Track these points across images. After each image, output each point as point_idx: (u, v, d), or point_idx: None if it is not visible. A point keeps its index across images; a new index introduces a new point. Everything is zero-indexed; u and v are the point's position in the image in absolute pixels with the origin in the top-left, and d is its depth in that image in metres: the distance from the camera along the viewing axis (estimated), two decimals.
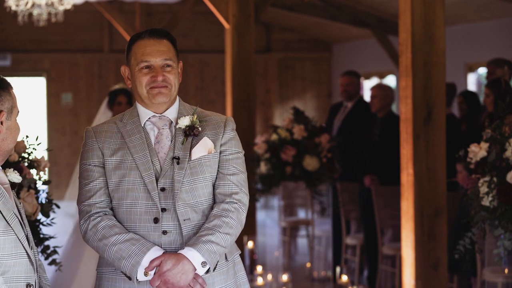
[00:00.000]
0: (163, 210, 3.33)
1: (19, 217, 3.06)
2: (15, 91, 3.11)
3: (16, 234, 3.00)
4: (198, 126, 3.42)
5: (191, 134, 3.41)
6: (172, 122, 3.45)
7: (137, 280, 3.27)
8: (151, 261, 3.25)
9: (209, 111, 3.56)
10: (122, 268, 3.28)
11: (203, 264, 3.27)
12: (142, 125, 3.43)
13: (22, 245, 3.02)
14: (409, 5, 5.63)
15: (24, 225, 3.09)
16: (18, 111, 3.12)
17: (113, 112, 7.63)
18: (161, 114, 3.44)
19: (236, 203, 3.41)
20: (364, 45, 14.99)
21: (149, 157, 3.37)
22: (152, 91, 3.39)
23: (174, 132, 3.43)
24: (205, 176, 3.40)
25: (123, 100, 7.67)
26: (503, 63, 8.13)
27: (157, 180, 3.36)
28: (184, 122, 3.42)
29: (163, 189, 3.35)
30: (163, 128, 3.43)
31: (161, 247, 3.31)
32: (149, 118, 3.44)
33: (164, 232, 3.33)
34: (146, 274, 3.26)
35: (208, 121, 3.46)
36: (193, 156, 3.39)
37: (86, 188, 3.40)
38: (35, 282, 3.06)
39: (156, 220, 3.33)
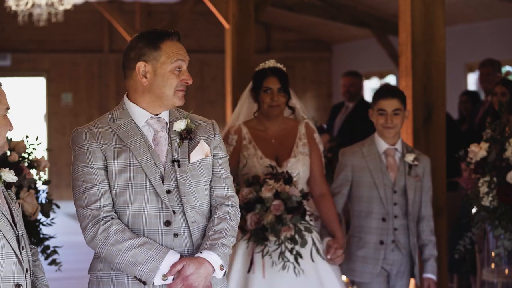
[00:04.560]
0: (174, 212, 3.34)
1: (9, 217, 3.05)
2: (2, 87, 3.08)
3: (3, 234, 3.00)
4: (193, 130, 3.44)
5: (188, 137, 3.42)
6: (167, 124, 3.45)
7: (153, 284, 3.27)
8: (172, 266, 3.25)
9: (191, 113, 3.57)
10: (137, 273, 3.25)
11: (221, 267, 3.32)
12: (139, 127, 3.41)
13: (10, 245, 3.01)
14: (409, 5, 5.63)
15: (15, 225, 3.07)
16: (8, 108, 3.09)
17: (258, 103, 5.18)
18: (157, 115, 3.43)
19: (234, 205, 3.48)
20: (364, 45, 14.99)
21: (152, 160, 3.36)
22: (178, 94, 3.40)
23: (170, 135, 3.43)
24: (205, 179, 3.43)
25: (274, 86, 5.13)
26: (498, 64, 8.14)
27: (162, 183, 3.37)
28: (181, 125, 3.42)
29: (169, 191, 3.35)
30: (161, 131, 3.42)
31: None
32: (147, 119, 3.42)
33: (176, 235, 3.33)
34: (163, 278, 3.26)
35: (198, 125, 3.49)
36: (192, 159, 3.41)
37: (90, 191, 3.32)
38: (25, 282, 3.05)
39: (168, 223, 3.32)
